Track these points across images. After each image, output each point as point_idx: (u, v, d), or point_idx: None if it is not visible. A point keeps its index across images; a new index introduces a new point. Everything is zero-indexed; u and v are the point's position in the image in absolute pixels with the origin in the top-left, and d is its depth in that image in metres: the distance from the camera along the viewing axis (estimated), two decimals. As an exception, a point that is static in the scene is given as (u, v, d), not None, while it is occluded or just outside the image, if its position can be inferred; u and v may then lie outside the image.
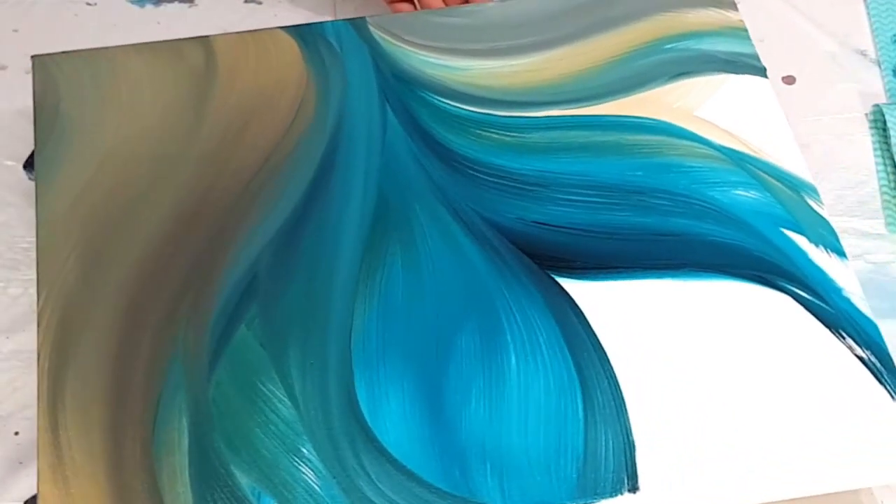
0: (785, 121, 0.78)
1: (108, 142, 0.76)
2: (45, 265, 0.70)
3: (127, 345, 0.67)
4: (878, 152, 0.88)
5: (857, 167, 0.88)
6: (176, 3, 0.95)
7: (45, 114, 0.77)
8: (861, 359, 0.67)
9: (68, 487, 0.62)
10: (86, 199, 0.73)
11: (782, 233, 0.72)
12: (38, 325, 0.68)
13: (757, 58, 0.81)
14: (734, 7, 0.84)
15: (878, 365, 0.67)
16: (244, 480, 0.62)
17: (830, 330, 0.68)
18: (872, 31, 0.96)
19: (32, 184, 0.76)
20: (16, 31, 0.93)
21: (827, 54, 0.95)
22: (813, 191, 0.74)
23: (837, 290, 0.70)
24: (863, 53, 0.95)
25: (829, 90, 0.92)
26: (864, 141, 0.90)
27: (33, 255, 0.71)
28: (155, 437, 0.64)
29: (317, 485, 0.62)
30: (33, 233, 0.73)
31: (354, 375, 0.66)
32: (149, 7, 0.95)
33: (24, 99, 0.81)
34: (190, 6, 0.95)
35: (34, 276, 0.70)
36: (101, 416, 0.65)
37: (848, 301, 0.69)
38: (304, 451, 0.63)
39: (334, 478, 0.62)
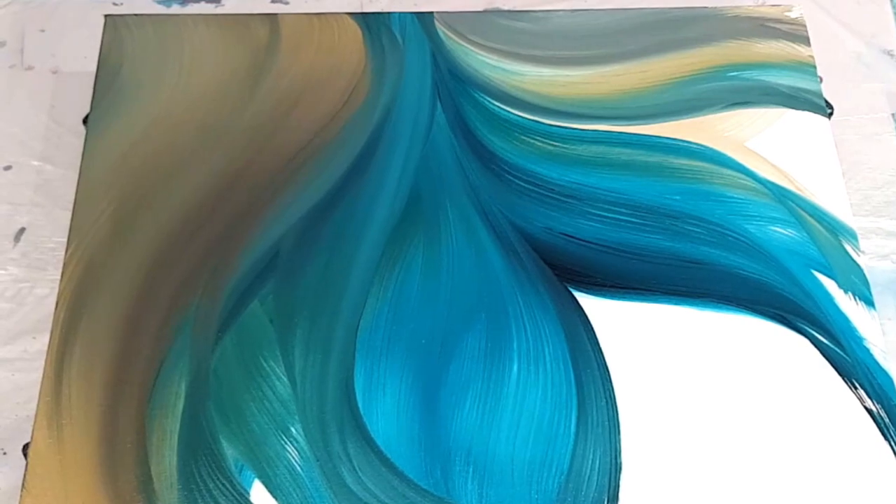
0: (836, 162, 0.76)
1: (160, 106, 0.78)
2: (79, 218, 0.72)
3: (141, 305, 0.69)
4: None
5: (884, 167, 0.86)
6: (202, 3, 0.95)
7: (106, 72, 0.79)
8: (870, 411, 0.65)
9: (61, 436, 0.64)
10: (129, 160, 0.75)
11: (812, 275, 0.71)
12: (62, 276, 0.70)
13: (820, 95, 0.79)
14: (807, 42, 0.82)
15: (887, 420, 0.65)
16: (230, 452, 0.63)
17: (843, 378, 0.67)
18: (899, 32, 0.95)
19: (58, 185, 0.78)
20: (42, 31, 0.93)
21: (853, 54, 0.93)
22: (852, 236, 0.72)
23: (858, 339, 0.68)
24: (889, 54, 0.94)
25: (855, 90, 0.91)
26: (891, 141, 0.88)
27: (60, 255, 0.71)
28: (152, 398, 0.65)
29: (299, 465, 0.63)
30: (60, 233, 0.74)
31: (356, 363, 0.67)
32: (175, 7, 0.95)
33: (51, 99, 0.82)
34: (216, 6, 0.95)
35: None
36: (105, 372, 0.66)
37: (867, 352, 0.68)
38: (293, 430, 0.64)
39: (318, 461, 0.63)
